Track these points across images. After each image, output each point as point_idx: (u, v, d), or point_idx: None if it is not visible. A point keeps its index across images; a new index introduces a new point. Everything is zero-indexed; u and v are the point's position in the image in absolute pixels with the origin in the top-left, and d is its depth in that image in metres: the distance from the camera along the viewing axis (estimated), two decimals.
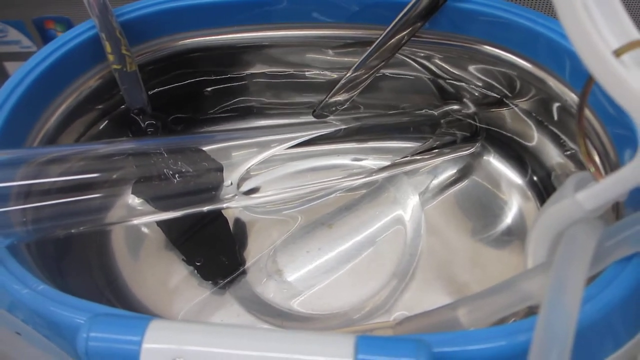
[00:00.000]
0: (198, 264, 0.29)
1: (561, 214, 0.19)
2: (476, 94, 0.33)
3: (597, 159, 0.25)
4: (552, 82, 0.28)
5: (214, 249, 0.30)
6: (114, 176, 0.26)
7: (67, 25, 0.44)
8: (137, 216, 0.27)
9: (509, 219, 0.31)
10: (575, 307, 0.15)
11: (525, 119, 0.32)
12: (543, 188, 0.31)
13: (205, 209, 0.28)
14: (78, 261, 0.29)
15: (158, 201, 0.27)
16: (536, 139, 0.32)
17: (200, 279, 0.29)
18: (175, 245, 0.30)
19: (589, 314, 0.17)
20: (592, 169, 0.18)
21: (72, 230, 0.24)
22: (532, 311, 0.21)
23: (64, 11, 0.43)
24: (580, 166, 0.29)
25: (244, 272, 0.30)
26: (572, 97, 0.27)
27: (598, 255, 0.17)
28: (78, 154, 0.25)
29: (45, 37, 0.45)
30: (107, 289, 0.28)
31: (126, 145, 0.27)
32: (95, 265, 0.29)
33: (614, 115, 0.24)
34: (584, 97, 0.18)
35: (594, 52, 0.15)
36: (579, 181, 0.19)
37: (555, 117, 0.30)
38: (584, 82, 0.18)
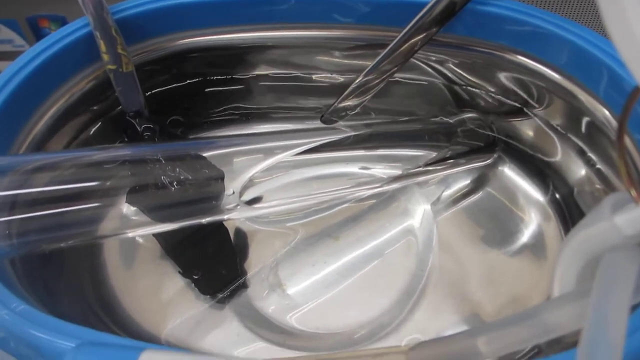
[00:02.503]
0: (195, 277, 0.28)
1: (596, 238, 0.17)
2: (494, 102, 0.32)
3: None
4: (583, 96, 0.26)
5: (213, 261, 0.28)
6: (107, 184, 0.24)
7: (62, 23, 0.43)
8: (131, 228, 0.25)
9: (525, 235, 0.30)
10: (620, 341, 0.14)
11: (548, 131, 0.30)
12: (565, 205, 0.30)
13: (205, 220, 0.26)
14: (66, 271, 0.27)
15: (154, 211, 0.25)
16: (560, 153, 0.30)
17: (198, 292, 0.27)
18: (171, 256, 0.28)
19: (629, 350, 0.16)
20: (633, 192, 0.16)
21: (62, 244, 0.23)
22: (557, 341, 0.19)
23: (59, 9, 0.42)
24: (608, 185, 0.27)
25: (244, 286, 0.28)
26: (604, 113, 0.26)
27: (638, 285, 0.16)
28: (69, 160, 0.24)
29: (38, 36, 0.44)
30: (97, 302, 0.27)
31: (121, 151, 0.26)
32: (85, 276, 0.28)
33: None
34: (626, 113, 0.17)
35: None
36: (615, 203, 0.17)
37: (584, 132, 0.28)
38: (626, 96, 0.16)
